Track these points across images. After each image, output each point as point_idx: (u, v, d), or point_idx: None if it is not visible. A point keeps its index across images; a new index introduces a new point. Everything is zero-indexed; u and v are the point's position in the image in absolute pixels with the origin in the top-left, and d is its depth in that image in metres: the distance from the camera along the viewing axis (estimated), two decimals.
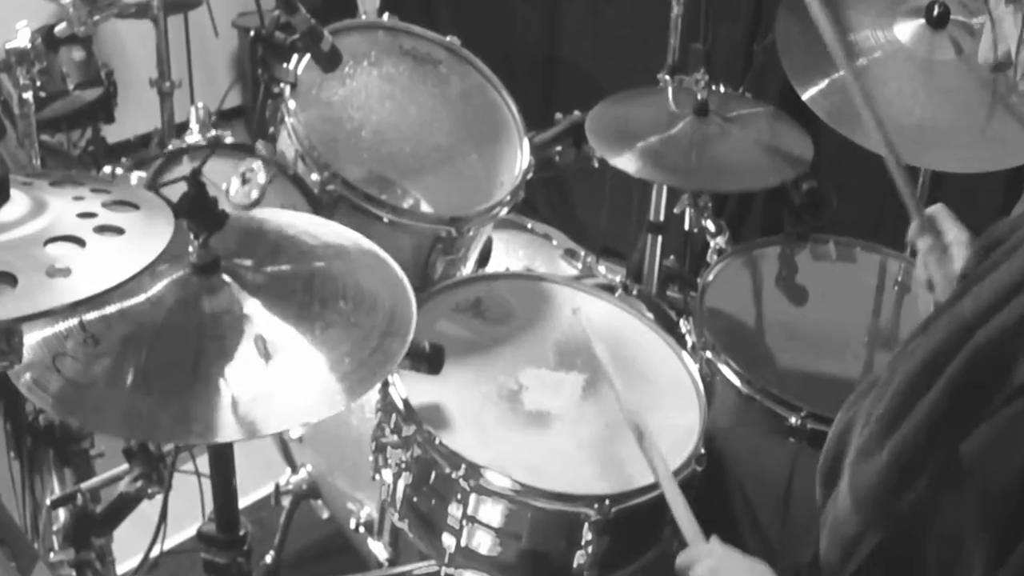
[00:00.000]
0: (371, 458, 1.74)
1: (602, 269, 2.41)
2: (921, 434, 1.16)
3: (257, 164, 1.61)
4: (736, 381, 1.86)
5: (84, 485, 1.65)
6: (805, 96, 2.04)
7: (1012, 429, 1.10)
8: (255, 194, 1.33)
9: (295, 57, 1.90)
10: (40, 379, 1.19)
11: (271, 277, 1.34)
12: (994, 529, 1.12)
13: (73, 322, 1.24)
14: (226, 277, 1.30)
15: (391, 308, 1.36)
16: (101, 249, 1.08)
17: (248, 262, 1.34)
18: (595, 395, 1.72)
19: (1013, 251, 1.15)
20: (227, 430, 1.18)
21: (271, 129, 1.97)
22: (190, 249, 1.29)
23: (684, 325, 2.08)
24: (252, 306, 1.28)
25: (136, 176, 1.75)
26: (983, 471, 1.12)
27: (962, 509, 1.14)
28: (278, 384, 1.22)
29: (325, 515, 2.12)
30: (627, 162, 2.15)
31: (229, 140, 1.92)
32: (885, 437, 1.19)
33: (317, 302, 1.32)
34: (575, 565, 1.57)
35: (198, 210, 1.27)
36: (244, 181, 1.32)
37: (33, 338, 1.22)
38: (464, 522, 1.58)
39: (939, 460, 1.15)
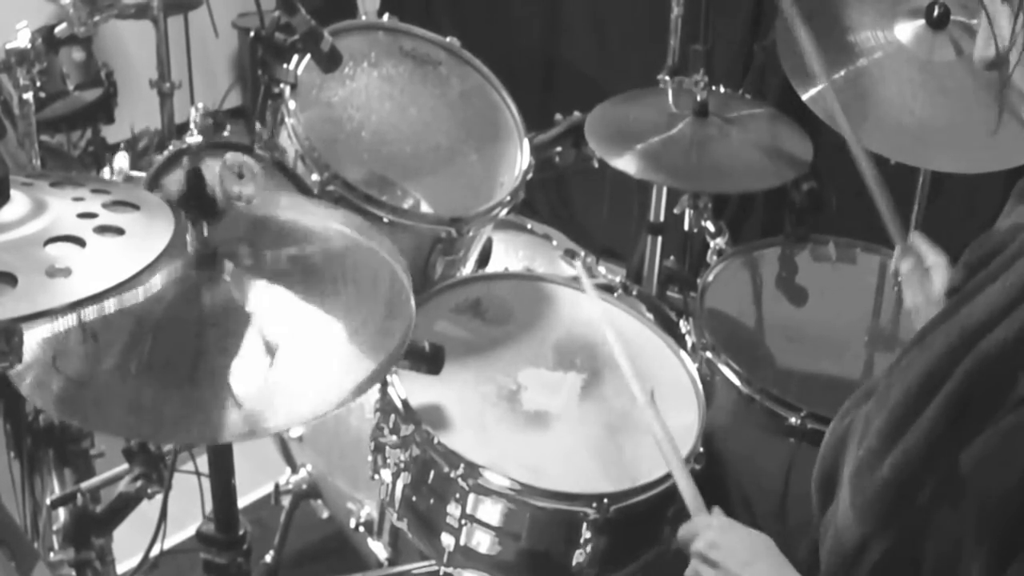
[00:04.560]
0: (370, 458, 1.74)
1: (602, 270, 2.41)
2: (922, 449, 1.15)
3: (248, 159, 1.61)
4: (736, 381, 1.86)
5: (84, 485, 1.65)
6: (805, 96, 2.04)
7: (1011, 440, 1.09)
8: (252, 188, 1.32)
9: (295, 58, 1.90)
10: (40, 378, 1.19)
11: (271, 272, 1.34)
12: (992, 539, 1.11)
13: (73, 321, 1.24)
14: (226, 271, 1.30)
15: (390, 308, 1.36)
16: (101, 249, 1.08)
17: (248, 259, 1.34)
18: (594, 395, 1.72)
19: (1014, 260, 1.15)
20: (229, 429, 1.18)
21: (271, 130, 1.97)
22: (188, 240, 1.29)
23: (684, 326, 2.08)
24: (253, 301, 1.28)
25: (125, 156, 1.75)
26: (981, 481, 1.12)
27: (961, 520, 1.14)
28: (279, 382, 1.22)
29: (325, 515, 2.12)
30: (627, 163, 2.15)
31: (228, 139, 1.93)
32: (885, 452, 1.19)
33: (317, 301, 1.32)
34: (574, 564, 1.57)
35: (196, 199, 1.27)
36: (239, 176, 1.31)
37: (33, 338, 1.22)
38: (463, 521, 1.58)
39: (940, 473, 1.15)
